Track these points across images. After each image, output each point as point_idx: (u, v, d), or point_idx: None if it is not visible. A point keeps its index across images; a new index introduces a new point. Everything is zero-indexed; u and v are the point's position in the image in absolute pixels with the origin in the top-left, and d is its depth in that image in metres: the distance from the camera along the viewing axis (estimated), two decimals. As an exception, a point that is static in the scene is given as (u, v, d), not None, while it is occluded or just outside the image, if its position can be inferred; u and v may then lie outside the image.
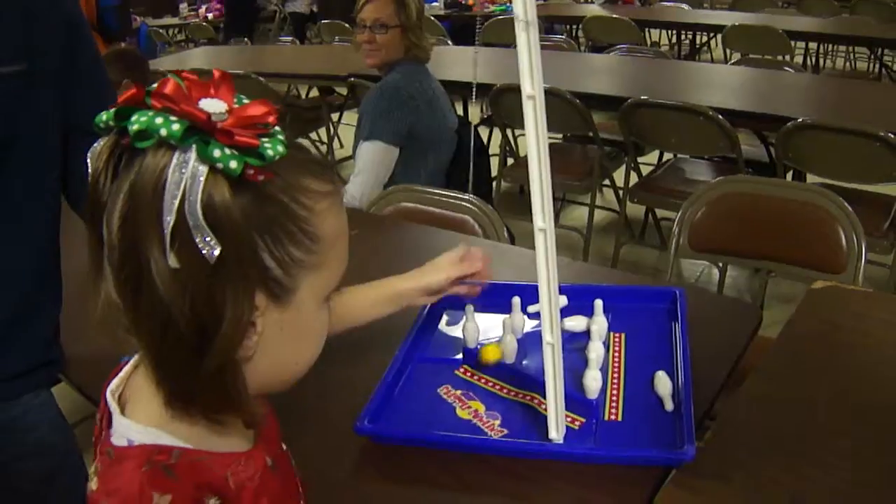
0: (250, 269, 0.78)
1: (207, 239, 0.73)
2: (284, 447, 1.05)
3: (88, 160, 0.78)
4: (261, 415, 0.89)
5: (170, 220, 0.72)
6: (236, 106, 0.78)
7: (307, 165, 0.84)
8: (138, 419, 0.85)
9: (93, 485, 0.85)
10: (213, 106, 0.76)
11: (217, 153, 0.72)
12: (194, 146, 0.73)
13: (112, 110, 0.75)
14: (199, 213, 0.72)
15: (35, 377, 1.57)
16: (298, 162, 0.82)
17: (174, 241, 0.73)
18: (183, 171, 0.72)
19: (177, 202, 0.72)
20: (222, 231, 0.73)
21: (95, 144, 0.77)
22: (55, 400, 1.63)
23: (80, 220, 1.56)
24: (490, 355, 1.56)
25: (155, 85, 0.75)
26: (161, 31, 11.13)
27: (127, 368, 0.92)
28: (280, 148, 0.77)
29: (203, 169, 0.73)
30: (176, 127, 0.72)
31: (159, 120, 0.72)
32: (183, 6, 12.24)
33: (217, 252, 0.73)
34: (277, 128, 0.80)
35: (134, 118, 0.73)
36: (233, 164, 0.73)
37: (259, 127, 0.77)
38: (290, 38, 9.43)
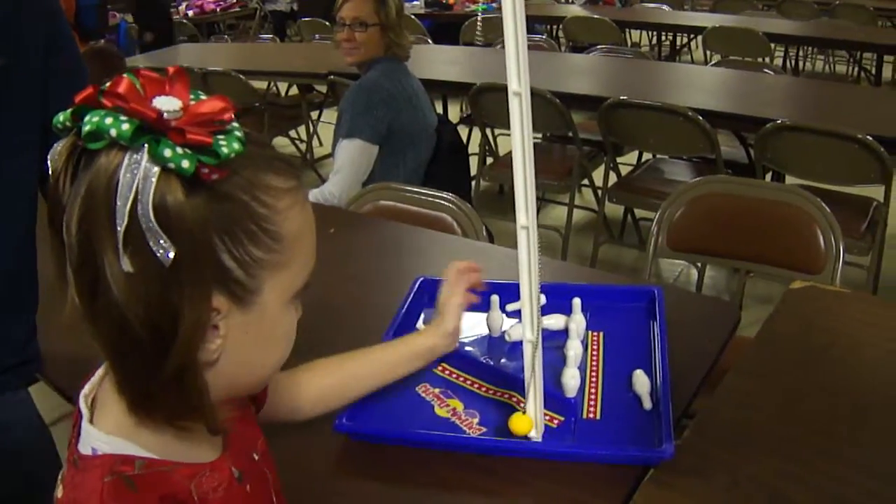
0: (208, 270, 0.76)
1: (161, 241, 0.71)
2: (257, 457, 1.01)
3: (49, 161, 0.76)
4: (225, 421, 0.86)
5: (122, 223, 0.71)
6: (192, 103, 0.76)
7: (269, 162, 0.81)
8: (103, 427, 0.83)
9: (58, 492, 0.85)
10: (166, 104, 0.74)
11: (168, 153, 0.70)
12: (146, 146, 0.71)
13: (69, 110, 0.74)
14: (151, 215, 0.70)
15: (12, 376, 1.56)
16: (259, 159, 0.80)
17: (127, 244, 0.71)
18: (134, 172, 0.71)
19: (128, 205, 0.70)
20: (176, 233, 0.71)
21: (56, 145, 0.76)
22: (33, 399, 1.61)
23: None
24: (521, 427, 1.35)
25: (108, 83, 0.73)
26: (140, 28, 11.08)
27: (99, 372, 0.91)
28: (236, 145, 0.75)
29: (155, 170, 0.71)
30: (125, 127, 0.70)
31: (109, 120, 0.71)
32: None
33: (171, 255, 0.71)
34: (235, 124, 0.78)
35: (87, 118, 0.72)
36: (185, 164, 0.71)
37: (215, 124, 0.75)
38: (271, 36, 9.43)
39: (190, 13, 11.24)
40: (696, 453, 1.32)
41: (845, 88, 5.58)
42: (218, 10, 11.63)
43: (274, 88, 7.07)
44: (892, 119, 3.66)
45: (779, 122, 3.38)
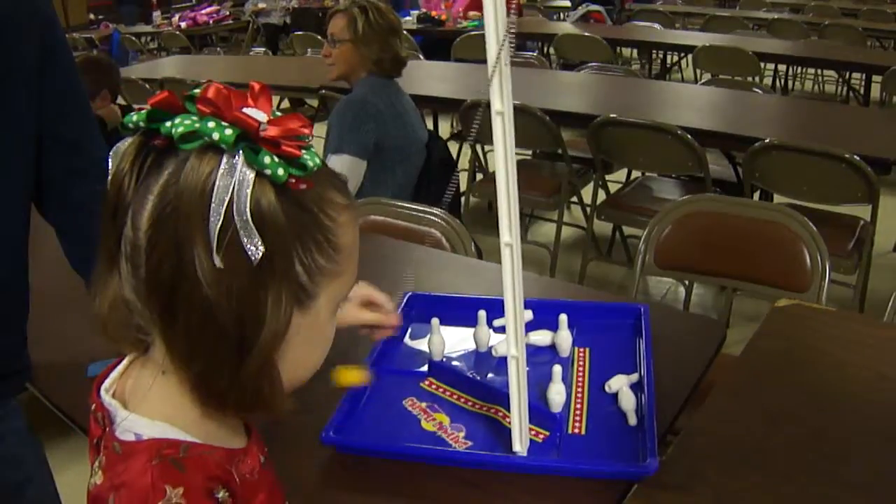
0: (289, 270, 0.82)
1: (254, 240, 0.76)
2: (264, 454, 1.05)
3: (111, 159, 0.81)
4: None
5: (217, 220, 0.75)
6: (272, 118, 0.81)
7: (331, 179, 0.88)
8: (145, 413, 0.86)
9: (97, 479, 0.86)
10: (255, 115, 0.79)
11: (267, 160, 0.76)
12: (241, 152, 0.76)
13: (144, 111, 0.78)
14: (248, 214, 0.75)
15: (3, 386, 1.55)
16: (324, 175, 0.86)
17: (220, 242, 0.76)
18: (231, 175, 0.76)
19: (225, 205, 0.75)
20: (266, 233, 0.77)
21: (119, 144, 0.80)
22: (21, 410, 1.61)
23: (44, 229, 1.55)
24: (346, 378, 1.35)
25: (198, 90, 0.78)
26: (134, 38, 11.08)
27: (119, 368, 0.94)
28: (317, 160, 0.81)
29: (251, 174, 0.76)
30: (228, 132, 0.76)
31: (211, 124, 0.76)
32: (156, 15, 12.18)
33: (261, 252, 0.76)
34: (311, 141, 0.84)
35: (178, 121, 0.77)
36: (280, 172, 0.77)
37: (299, 139, 0.81)
38: (263, 49, 9.42)
39: (183, 25, 11.24)
40: (679, 469, 1.33)
41: (834, 108, 5.61)
42: (211, 22, 11.64)
43: (265, 102, 7.05)
44: (880, 139, 3.69)
45: (767, 141, 3.40)
